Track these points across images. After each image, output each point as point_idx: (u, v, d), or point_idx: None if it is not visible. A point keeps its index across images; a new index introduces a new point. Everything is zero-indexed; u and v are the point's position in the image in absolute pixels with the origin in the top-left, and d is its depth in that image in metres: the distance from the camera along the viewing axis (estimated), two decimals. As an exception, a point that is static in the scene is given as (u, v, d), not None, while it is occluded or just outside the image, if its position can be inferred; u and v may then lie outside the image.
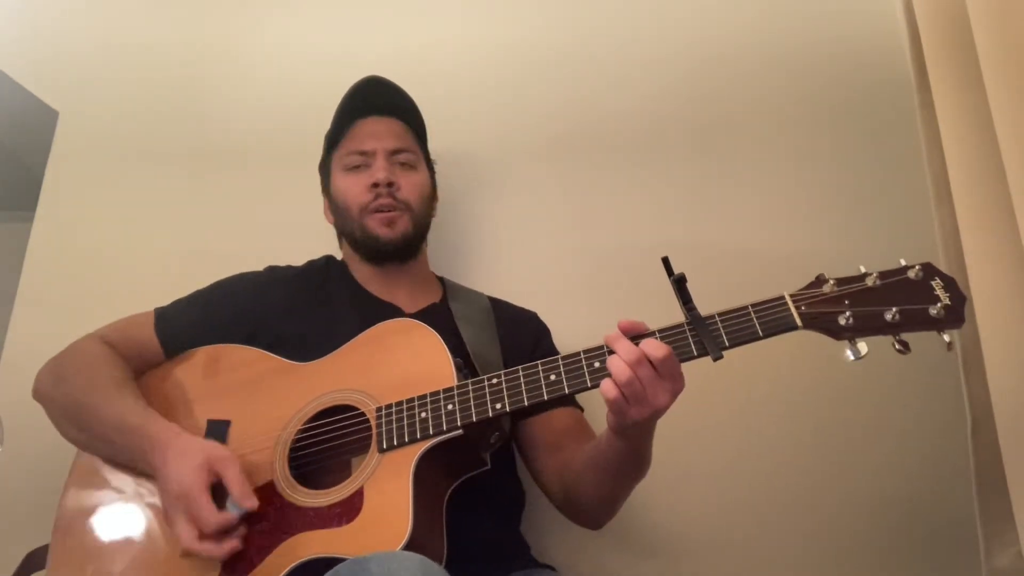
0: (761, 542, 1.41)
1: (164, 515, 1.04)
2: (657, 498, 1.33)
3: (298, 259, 1.40)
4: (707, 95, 1.65)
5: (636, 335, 0.97)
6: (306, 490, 1.06)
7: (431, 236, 1.42)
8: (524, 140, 1.65)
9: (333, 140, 1.37)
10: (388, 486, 1.01)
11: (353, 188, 1.31)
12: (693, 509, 1.42)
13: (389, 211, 1.29)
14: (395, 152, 1.33)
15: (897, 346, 0.93)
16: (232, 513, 1.00)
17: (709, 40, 1.68)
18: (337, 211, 1.35)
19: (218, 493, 1.02)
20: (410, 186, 1.32)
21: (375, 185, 1.29)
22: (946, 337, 0.92)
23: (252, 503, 1.01)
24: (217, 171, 1.67)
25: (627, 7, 1.73)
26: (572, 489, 1.15)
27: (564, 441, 1.19)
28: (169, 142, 1.70)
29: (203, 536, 0.99)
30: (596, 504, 1.15)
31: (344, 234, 1.36)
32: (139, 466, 1.10)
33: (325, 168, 1.40)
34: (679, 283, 0.97)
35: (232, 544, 1.00)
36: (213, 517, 0.99)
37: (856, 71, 1.64)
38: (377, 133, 1.33)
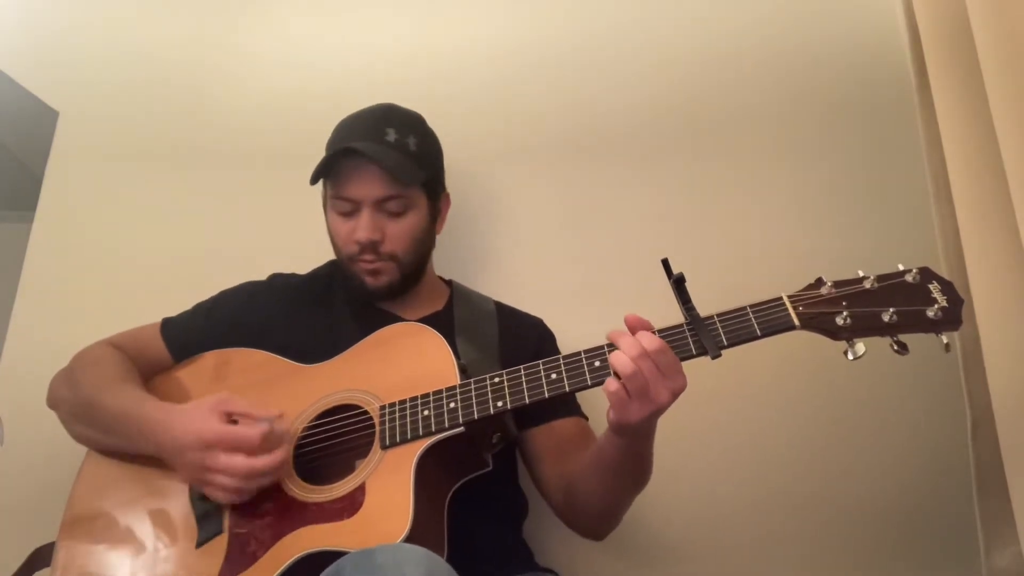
0: (761, 544, 1.40)
1: (192, 482, 1.08)
2: (659, 503, 1.32)
3: (300, 261, 1.40)
4: (708, 96, 1.65)
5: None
6: (310, 486, 1.07)
7: (438, 238, 1.39)
8: (526, 142, 1.65)
9: (324, 175, 1.28)
10: (389, 482, 1.01)
11: (341, 233, 1.27)
12: (693, 514, 1.42)
13: (372, 263, 1.26)
14: (382, 201, 1.25)
15: (895, 347, 0.94)
16: (264, 426, 1.04)
17: (709, 41, 1.68)
18: (332, 244, 1.32)
19: None
20: (396, 236, 1.26)
21: (358, 242, 1.25)
22: (944, 339, 0.92)
23: (274, 411, 1.07)
24: (218, 171, 1.67)
25: (629, 9, 1.72)
26: (574, 493, 1.15)
27: (568, 449, 1.19)
28: (169, 142, 1.69)
29: (252, 455, 1.02)
30: (598, 508, 1.15)
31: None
32: (146, 452, 1.11)
33: (324, 196, 1.32)
34: (678, 284, 0.98)
35: (283, 450, 1.05)
36: (252, 431, 1.02)
37: (856, 71, 1.64)
38: (362, 179, 1.24)
